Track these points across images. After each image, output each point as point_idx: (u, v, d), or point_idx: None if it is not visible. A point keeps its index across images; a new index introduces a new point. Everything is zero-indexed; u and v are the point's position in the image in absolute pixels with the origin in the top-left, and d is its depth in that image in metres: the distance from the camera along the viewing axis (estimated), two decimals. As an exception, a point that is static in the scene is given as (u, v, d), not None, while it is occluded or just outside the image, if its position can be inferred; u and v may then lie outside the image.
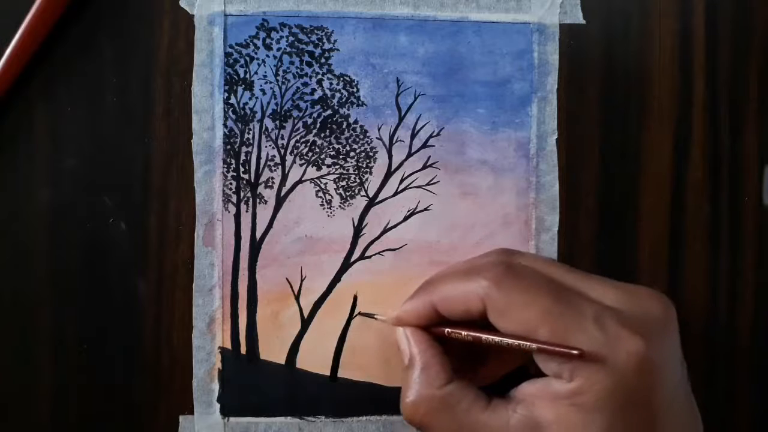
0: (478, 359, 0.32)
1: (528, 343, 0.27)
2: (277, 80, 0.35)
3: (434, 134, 0.36)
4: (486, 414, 0.28)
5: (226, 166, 0.35)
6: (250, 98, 0.35)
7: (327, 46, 0.35)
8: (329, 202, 0.36)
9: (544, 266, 0.30)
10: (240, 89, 0.35)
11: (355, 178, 0.36)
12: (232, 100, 0.35)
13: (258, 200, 0.35)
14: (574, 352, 0.26)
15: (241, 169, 0.35)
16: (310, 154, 0.36)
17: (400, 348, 0.31)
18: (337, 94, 0.36)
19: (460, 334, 0.30)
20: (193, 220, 0.35)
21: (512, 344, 0.28)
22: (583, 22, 0.36)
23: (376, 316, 0.34)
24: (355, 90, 0.36)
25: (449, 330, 0.30)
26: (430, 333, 0.31)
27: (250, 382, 0.35)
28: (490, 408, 0.28)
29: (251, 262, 0.35)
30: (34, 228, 0.35)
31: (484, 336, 0.29)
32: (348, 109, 0.36)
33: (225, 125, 0.35)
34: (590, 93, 0.36)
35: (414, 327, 0.31)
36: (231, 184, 0.35)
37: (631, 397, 0.26)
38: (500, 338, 0.28)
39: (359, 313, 0.35)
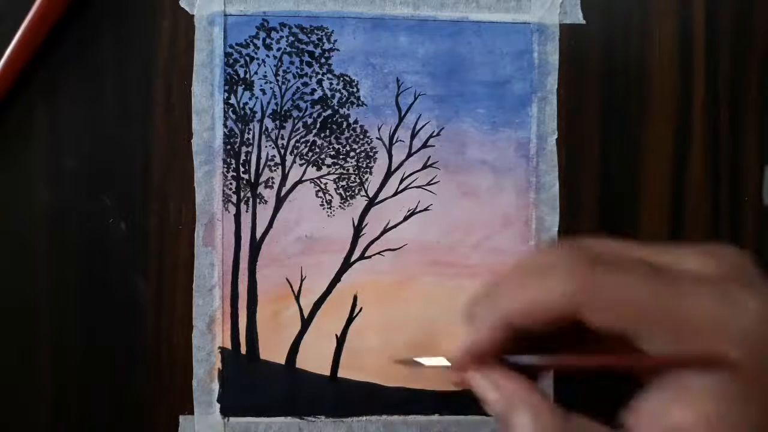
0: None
1: (675, 358, 0.22)
2: (277, 80, 0.35)
3: (434, 134, 0.36)
4: None
5: (226, 166, 0.35)
6: (250, 98, 0.35)
7: (327, 46, 0.35)
8: (329, 202, 0.36)
9: (622, 249, 0.25)
10: (240, 89, 0.35)
11: (355, 178, 0.36)
12: (232, 100, 0.35)
13: (258, 200, 0.35)
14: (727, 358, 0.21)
15: (241, 169, 0.35)
16: (310, 154, 0.36)
17: (480, 394, 0.25)
18: (337, 94, 0.36)
19: (573, 363, 0.24)
20: (193, 220, 0.35)
21: (656, 364, 0.23)
22: (583, 22, 0.36)
23: (422, 362, 0.26)
24: (355, 90, 0.36)
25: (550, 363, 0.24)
26: (510, 366, 0.25)
27: (250, 382, 0.35)
28: None
29: (251, 262, 0.35)
30: (34, 228, 0.35)
31: (617, 361, 0.24)
32: (348, 109, 0.36)
33: (225, 125, 0.35)
34: (590, 93, 0.36)
35: (494, 366, 0.25)
36: (231, 184, 0.35)
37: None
38: (641, 363, 0.23)
39: (396, 361, 0.28)
